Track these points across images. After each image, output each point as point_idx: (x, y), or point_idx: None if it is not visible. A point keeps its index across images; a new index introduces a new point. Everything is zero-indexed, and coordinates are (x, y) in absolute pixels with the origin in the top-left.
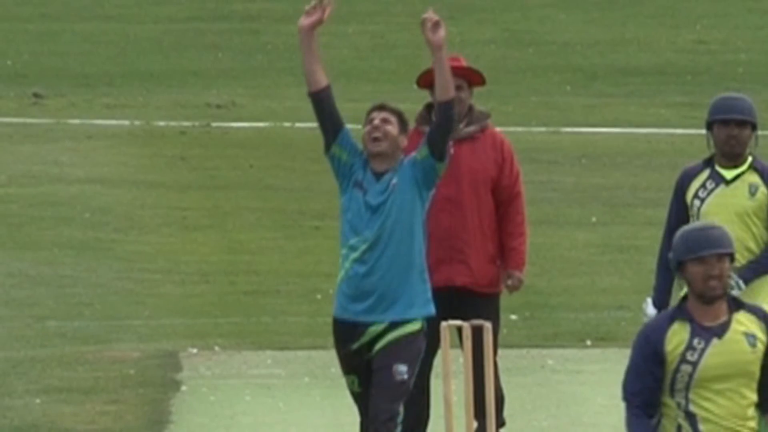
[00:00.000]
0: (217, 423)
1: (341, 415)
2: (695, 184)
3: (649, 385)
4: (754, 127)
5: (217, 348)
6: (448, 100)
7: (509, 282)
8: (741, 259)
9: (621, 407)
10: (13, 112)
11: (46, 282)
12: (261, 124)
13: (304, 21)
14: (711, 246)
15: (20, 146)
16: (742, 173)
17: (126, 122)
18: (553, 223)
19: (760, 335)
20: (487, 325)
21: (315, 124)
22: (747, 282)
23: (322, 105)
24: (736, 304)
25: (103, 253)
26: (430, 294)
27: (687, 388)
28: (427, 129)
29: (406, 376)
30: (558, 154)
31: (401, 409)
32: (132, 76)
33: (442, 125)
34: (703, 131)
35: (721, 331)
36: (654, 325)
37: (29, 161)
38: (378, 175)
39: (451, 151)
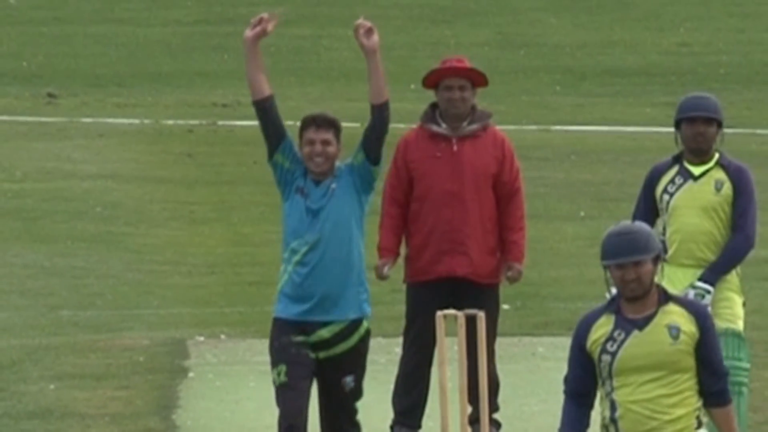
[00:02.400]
0: (223, 407)
1: None
2: (664, 180)
3: (578, 374)
4: (719, 125)
5: (223, 336)
6: (382, 103)
7: (509, 273)
8: (708, 251)
9: None
10: (28, 111)
11: (59, 273)
12: None
13: (249, 33)
14: (627, 254)
15: (35, 143)
16: (709, 169)
17: (136, 121)
18: (544, 217)
19: (687, 328)
20: (480, 314)
21: None
22: (714, 284)
23: (266, 113)
24: (667, 297)
25: (114, 246)
26: (367, 295)
27: (610, 377)
28: (432, 127)
29: (353, 384)
30: (548, 151)
31: (358, 410)
32: (141, 76)
33: (376, 128)
34: (674, 133)
35: (643, 323)
36: (585, 316)
37: (44, 158)
38: (318, 182)
39: (455, 148)
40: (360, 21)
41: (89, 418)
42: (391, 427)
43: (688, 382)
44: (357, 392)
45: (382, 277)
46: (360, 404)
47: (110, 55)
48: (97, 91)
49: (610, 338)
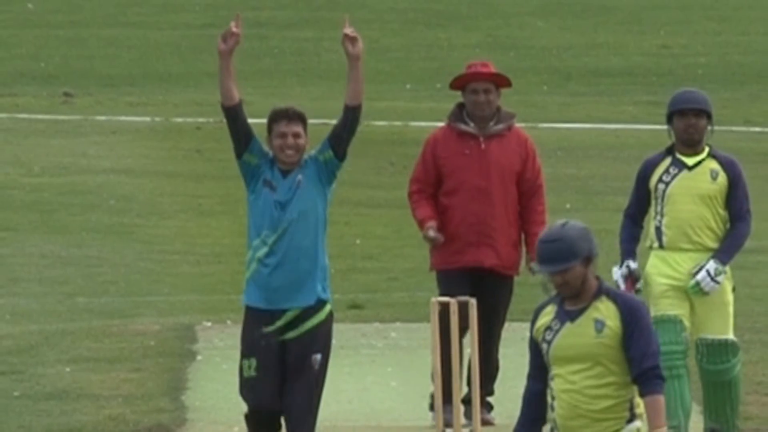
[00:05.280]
0: (229, 389)
1: (340, 382)
2: (658, 171)
3: (535, 357)
4: (709, 117)
5: (229, 322)
6: (357, 105)
7: (532, 264)
8: (704, 236)
9: None
10: (45, 110)
11: (75, 262)
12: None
13: (224, 46)
14: (551, 263)
15: (52, 140)
16: (702, 160)
17: (147, 119)
18: None
19: (611, 322)
20: (472, 302)
21: (317, 121)
22: (726, 263)
23: (236, 118)
24: (601, 291)
25: (126, 237)
26: (329, 282)
27: (549, 365)
28: (461, 126)
29: (322, 363)
30: (536, 148)
31: (320, 397)
32: (152, 77)
33: (348, 128)
34: (667, 127)
35: (575, 315)
36: (538, 305)
37: (60, 154)
38: (285, 173)
39: (483, 146)
40: (347, 31)
41: (103, 399)
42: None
43: (616, 375)
44: (323, 374)
45: (432, 239)
46: (360, 386)
47: (123, 57)
48: (111, 91)
49: (549, 327)
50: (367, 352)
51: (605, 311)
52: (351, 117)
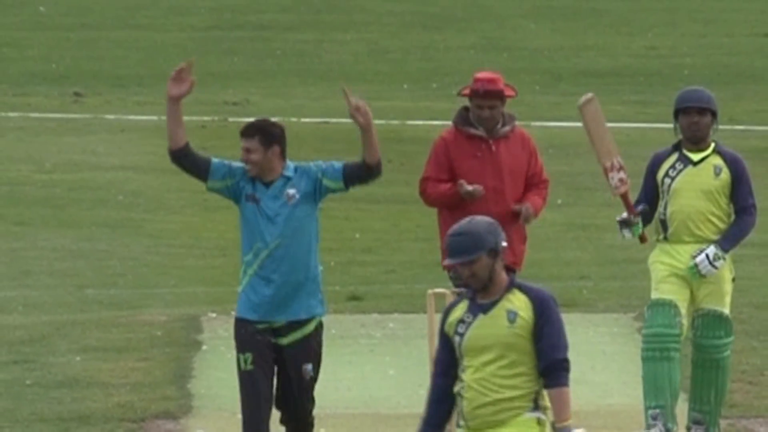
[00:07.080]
0: (234, 378)
1: (340, 370)
2: (665, 166)
3: (445, 353)
4: (713, 115)
5: (233, 312)
6: (376, 162)
7: (520, 208)
8: (705, 230)
9: (579, 363)
10: (56, 109)
11: (85, 255)
12: (271, 119)
13: (175, 92)
14: (456, 255)
15: (63, 138)
16: (707, 156)
17: (154, 117)
18: None
19: (524, 313)
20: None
21: (318, 119)
22: (726, 251)
23: (183, 160)
24: (513, 285)
25: (134, 231)
26: (321, 296)
27: (462, 357)
28: (470, 130)
29: (313, 373)
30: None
31: (313, 401)
32: (160, 77)
33: (367, 178)
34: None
35: (488, 307)
36: (448, 304)
37: (71, 151)
38: (267, 184)
39: (493, 148)
40: (356, 103)
41: (112, 387)
42: None
43: (525, 365)
44: (314, 382)
45: (473, 191)
46: (359, 375)
47: (131, 58)
48: (120, 91)
49: (462, 320)
50: (366, 341)
51: (518, 303)
52: (371, 171)
